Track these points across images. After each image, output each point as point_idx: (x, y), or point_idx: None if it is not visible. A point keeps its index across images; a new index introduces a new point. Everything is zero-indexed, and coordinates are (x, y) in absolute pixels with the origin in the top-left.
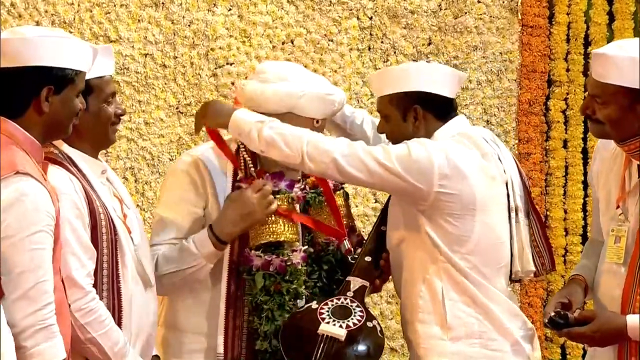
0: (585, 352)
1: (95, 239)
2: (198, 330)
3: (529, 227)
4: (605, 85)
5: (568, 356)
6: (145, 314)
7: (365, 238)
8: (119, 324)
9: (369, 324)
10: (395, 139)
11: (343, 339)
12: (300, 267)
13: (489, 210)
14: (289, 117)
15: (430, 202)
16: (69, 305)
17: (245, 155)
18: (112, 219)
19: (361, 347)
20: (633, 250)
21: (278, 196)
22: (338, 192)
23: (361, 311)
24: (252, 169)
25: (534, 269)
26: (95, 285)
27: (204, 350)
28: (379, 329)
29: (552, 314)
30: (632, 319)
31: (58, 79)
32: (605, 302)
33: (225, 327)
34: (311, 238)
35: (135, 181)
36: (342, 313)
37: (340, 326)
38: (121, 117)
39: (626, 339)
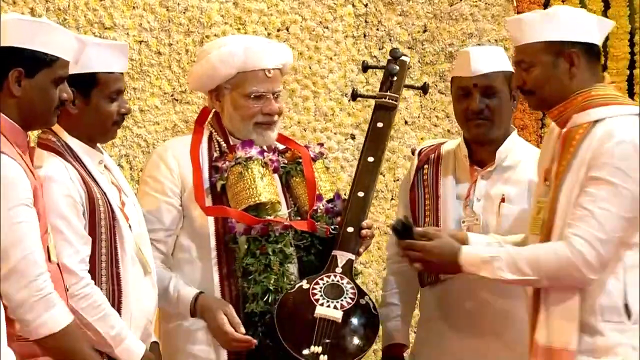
0: None
1: (93, 226)
2: None
3: None
4: (524, 46)
5: None
6: (146, 299)
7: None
8: (119, 308)
9: (362, 301)
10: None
11: (340, 321)
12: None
13: None
14: (241, 78)
15: None
16: (66, 291)
17: (218, 138)
18: (111, 206)
19: (358, 326)
20: (547, 218)
21: (251, 161)
22: (319, 161)
23: (352, 288)
24: (225, 146)
25: None
26: (93, 271)
27: (204, 328)
28: (371, 305)
29: (397, 221)
30: (467, 248)
31: (29, 61)
32: None
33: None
34: (297, 209)
35: (130, 168)
36: (334, 292)
37: (335, 307)
38: (125, 116)
39: (460, 269)
